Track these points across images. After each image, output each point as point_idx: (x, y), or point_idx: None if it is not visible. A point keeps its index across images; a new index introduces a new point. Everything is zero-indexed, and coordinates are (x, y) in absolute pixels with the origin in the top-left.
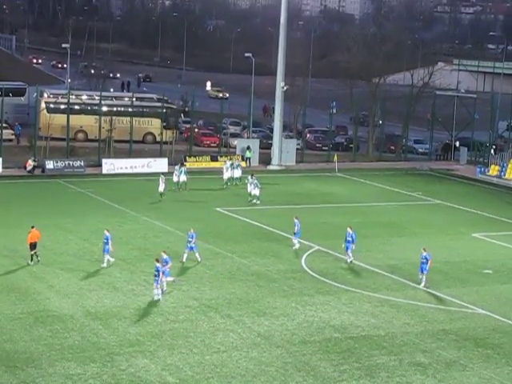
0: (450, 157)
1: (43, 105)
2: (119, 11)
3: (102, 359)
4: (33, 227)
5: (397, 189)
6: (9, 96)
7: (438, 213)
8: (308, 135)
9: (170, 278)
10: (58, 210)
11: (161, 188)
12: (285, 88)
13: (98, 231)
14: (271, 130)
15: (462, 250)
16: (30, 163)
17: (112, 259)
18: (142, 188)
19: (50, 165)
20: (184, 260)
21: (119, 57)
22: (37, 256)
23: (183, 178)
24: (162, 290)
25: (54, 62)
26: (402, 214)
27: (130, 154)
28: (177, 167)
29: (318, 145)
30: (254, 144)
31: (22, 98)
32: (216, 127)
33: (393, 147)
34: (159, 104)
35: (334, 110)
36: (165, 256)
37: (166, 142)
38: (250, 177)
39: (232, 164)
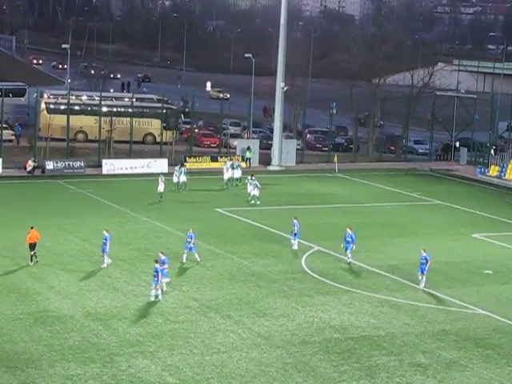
0: (450, 157)
1: (43, 105)
2: (119, 12)
3: (102, 360)
4: (32, 228)
5: (397, 189)
6: (9, 97)
7: (438, 213)
8: (308, 136)
9: (167, 279)
10: (58, 210)
11: (160, 188)
12: (285, 88)
13: (98, 232)
14: (271, 131)
15: (462, 250)
16: (30, 164)
17: (110, 260)
18: (142, 188)
19: (50, 165)
20: (184, 261)
21: (119, 57)
22: (36, 256)
23: (183, 178)
24: (161, 290)
25: (55, 63)
26: (402, 215)
27: (130, 155)
28: (177, 168)
29: (318, 145)
30: (254, 144)
31: (22, 99)
32: (216, 128)
33: (393, 148)
34: (159, 104)
35: (334, 111)
36: (162, 257)
37: (166, 143)
38: (249, 177)
39: (232, 164)
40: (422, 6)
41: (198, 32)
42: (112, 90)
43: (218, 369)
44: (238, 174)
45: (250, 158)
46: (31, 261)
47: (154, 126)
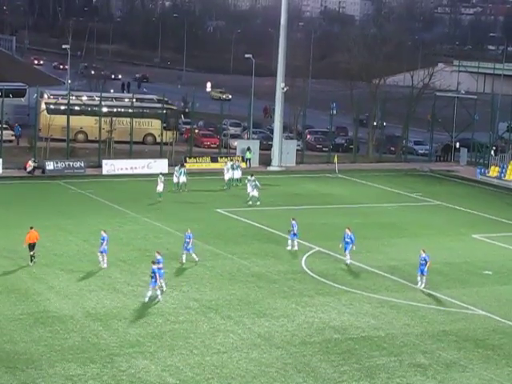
0: (450, 158)
1: (43, 106)
2: (119, 12)
3: (102, 360)
4: (31, 228)
5: (397, 190)
6: (9, 97)
7: (438, 214)
8: (308, 136)
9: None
10: (59, 210)
11: (159, 188)
12: (285, 89)
13: (98, 232)
14: (271, 131)
15: (462, 251)
16: (30, 164)
17: (101, 259)
18: (143, 189)
19: (50, 166)
20: (183, 261)
21: (119, 58)
22: (34, 257)
23: (183, 179)
24: (161, 290)
25: (56, 63)
26: (402, 215)
27: (130, 155)
28: (177, 168)
29: (318, 146)
30: (254, 145)
31: (22, 99)
32: (216, 128)
33: (393, 148)
34: (159, 105)
35: (334, 111)
36: (158, 256)
37: (166, 143)
38: (249, 177)
39: (232, 165)
40: (423, 7)
41: (198, 32)
42: (112, 91)
43: (218, 369)
44: (238, 174)
45: (250, 159)
46: (31, 261)
47: (154, 126)
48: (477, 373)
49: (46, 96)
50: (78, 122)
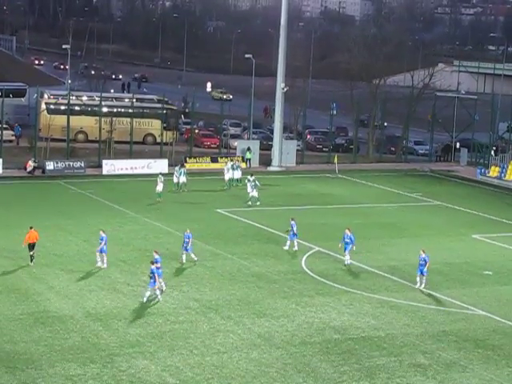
0: (451, 158)
1: (43, 106)
2: (119, 12)
3: (102, 360)
4: (31, 228)
5: (397, 190)
6: (9, 97)
7: (438, 214)
8: (308, 136)
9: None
10: (59, 210)
11: (159, 188)
12: (285, 89)
13: (98, 232)
14: (271, 131)
15: (462, 251)
16: (31, 164)
17: (98, 259)
18: (143, 189)
19: (50, 166)
20: (183, 261)
21: (119, 58)
22: (33, 257)
23: (183, 179)
24: (161, 290)
25: (57, 63)
26: (403, 216)
27: (130, 155)
28: (177, 168)
29: (318, 146)
30: (255, 145)
31: (22, 99)
32: (216, 128)
33: (393, 148)
34: (159, 105)
35: (335, 112)
36: (156, 256)
37: (166, 143)
38: (249, 177)
39: (232, 165)
40: (423, 7)
41: (199, 33)
42: (112, 91)
43: (218, 369)
44: (237, 174)
45: (250, 159)
46: (31, 261)
47: (155, 126)
48: (477, 373)
49: (46, 96)
50: (78, 122)
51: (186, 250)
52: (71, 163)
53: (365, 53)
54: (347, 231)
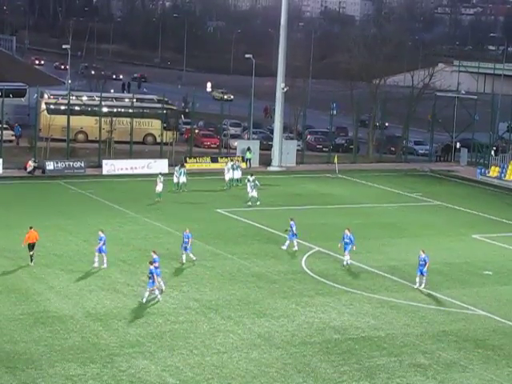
0: (451, 158)
1: (43, 106)
2: (120, 12)
3: (102, 360)
4: (31, 228)
5: (397, 190)
6: (9, 97)
7: (438, 214)
8: (308, 136)
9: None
10: (59, 210)
11: (158, 188)
12: (285, 89)
13: (98, 232)
14: (271, 131)
15: (462, 251)
16: (31, 164)
17: (96, 259)
18: (143, 189)
19: (50, 166)
20: (184, 261)
21: (120, 58)
22: (33, 257)
23: (183, 179)
24: (160, 290)
25: (57, 63)
26: (403, 216)
27: (130, 155)
28: (177, 168)
29: (318, 146)
30: (255, 145)
31: (22, 99)
32: (216, 128)
33: (393, 148)
34: (159, 105)
35: (335, 112)
36: (154, 256)
37: (166, 143)
38: (249, 177)
39: (233, 165)
40: (423, 7)
41: (199, 33)
42: (112, 91)
43: (218, 369)
44: (238, 174)
45: (250, 159)
46: (31, 261)
47: (155, 126)
48: (477, 373)
49: (46, 96)
50: (78, 122)
51: (186, 249)
52: (71, 163)
53: (365, 53)
54: (347, 231)
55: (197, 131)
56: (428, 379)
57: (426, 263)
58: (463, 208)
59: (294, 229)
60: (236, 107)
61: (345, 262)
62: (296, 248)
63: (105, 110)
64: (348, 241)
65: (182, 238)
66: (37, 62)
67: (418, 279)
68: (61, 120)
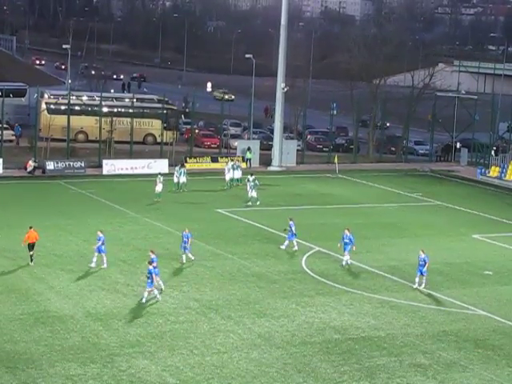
0: (451, 158)
1: (44, 106)
2: (120, 12)
3: (102, 360)
4: (31, 228)
5: (397, 190)
6: (9, 97)
7: (438, 214)
8: (308, 136)
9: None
10: (59, 210)
11: (158, 188)
12: (285, 89)
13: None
14: (272, 131)
15: (463, 251)
16: (31, 164)
17: (94, 259)
18: (143, 189)
19: (50, 166)
20: (184, 261)
21: (120, 58)
22: (33, 257)
23: (183, 179)
24: (159, 290)
25: (58, 63)
26: (403, 216)
27: (130, 155)
28: (177, 168)
29: (318, 146)
30: (255, 145)
31: (22, 99)
32: (216, 128)
33: (393, 148)
34: (160, 105)
35: (335, 112)
36: (152, 255)
37: (166, 143)
38: (249, 177)
39: (233, 165)
40: (423, 7)
41: (199, 33)
42: (112, 91)
43: (218, 369)
44: (238, 174)
45: (250, 159)
46: (31, 261)
47: (155, 126)
48: (477, 373)
49: (46, 96)
50: (78, 121)
51: (185, 249)
52: (71, 163)
53: (365, 53)
54: (346, 231)
55: (197, 131)
56: (428, 379)
57: (425, 263)
58: (463, 208)
59: (293, 229)
60: (236, 107)
61: (344, 262)
62: (296, 248)
63: (105, 109)
64: (348, 241)
65: (181, 238)
66: (37, 61)
67: (417, 279)
68: (61, 120)
